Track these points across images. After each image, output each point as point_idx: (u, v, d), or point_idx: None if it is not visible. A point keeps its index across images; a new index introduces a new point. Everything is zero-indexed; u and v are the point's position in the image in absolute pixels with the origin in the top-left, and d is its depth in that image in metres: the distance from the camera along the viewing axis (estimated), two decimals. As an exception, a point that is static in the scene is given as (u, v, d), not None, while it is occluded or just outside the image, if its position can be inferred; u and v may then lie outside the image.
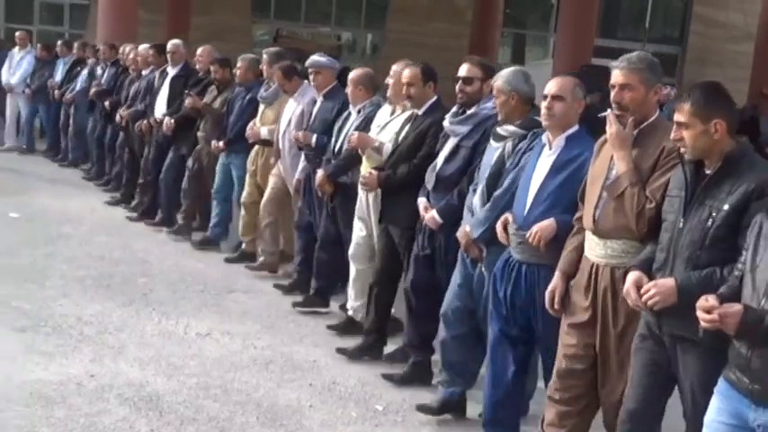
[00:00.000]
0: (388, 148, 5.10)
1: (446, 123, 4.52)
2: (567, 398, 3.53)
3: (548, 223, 3.61)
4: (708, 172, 2.95)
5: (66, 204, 8.71)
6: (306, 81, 6.37)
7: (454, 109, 4.53)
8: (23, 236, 7.24)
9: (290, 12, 21.03)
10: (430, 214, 4.45)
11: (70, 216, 8.15)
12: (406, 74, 4.86)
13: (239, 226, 7.06)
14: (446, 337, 4.34)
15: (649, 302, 2.92)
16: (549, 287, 3.55)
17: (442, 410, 4.31)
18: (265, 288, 6.32)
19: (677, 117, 2.93)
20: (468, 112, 4.44)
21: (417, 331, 4.73)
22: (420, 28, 19.47)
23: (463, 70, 4.48)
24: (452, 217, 4.35)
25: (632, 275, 3.06)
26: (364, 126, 5.45)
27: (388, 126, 5.21)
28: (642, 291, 2.96)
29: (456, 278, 4.29)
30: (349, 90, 5.61)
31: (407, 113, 5.10)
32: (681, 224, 2.95)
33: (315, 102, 6.18)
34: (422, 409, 4.30)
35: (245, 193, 6.97)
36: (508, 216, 3.80)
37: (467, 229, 4.09)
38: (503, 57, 22.11)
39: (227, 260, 6.98)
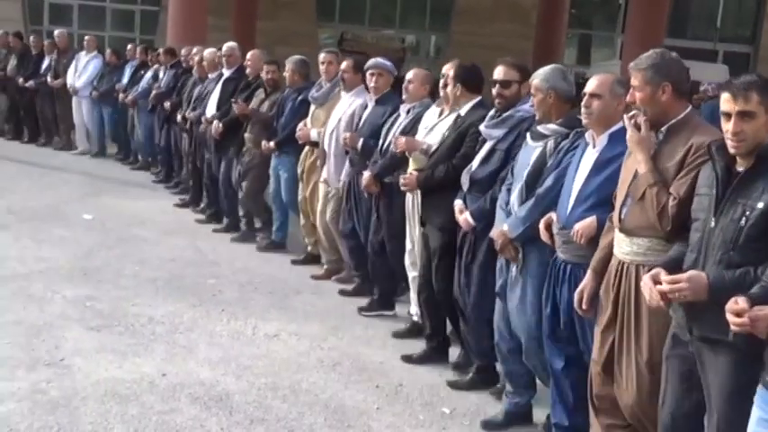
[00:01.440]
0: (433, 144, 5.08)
1: (482, 127, 4.49)
2: (608, 406, 3.49)
3: (589, 221, 3.55)
4: (739, 169, 2.84)
5: (137, 206, 8.91)
6: (362, 84, 6.33)
7: (491, 112, 4.49)
8: (97, 237, 7.42)
9: (355, 15, 21.17)
10: (463, 216, 4.44)
11: (141, 218, 8.34)
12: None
13: (301, 229, 7.14)
14: (502, 349, 4.29)
15: (677, 294, 2.79)
16: (579, 286, 3.51)
17: (508, 423, 4.25)
18: (332, 289, 6.36)
19: (741, 107, 2.76)
20: (504, 114, 4.40)
21: (474, 337, 4.69)
22: (484, 29, 19.40)
23: (500, 73, 4.40)
24: (485, 220, 4.32)
25: (653, 271, 2.93)
26: (412, 127, 5.44)
27: (436, 128, 5.18)
28: (670, 280, 2.81)
29: (497, 290, 4.25)
30: (412, 86, 5.55)
31: (454, 115, 5.07)
32: (712, 223, 2.84)
33: (365, 106, 6.17)
34: (488, 425, 4.24)
35: (300, 197, 7.01)
36: (552, 215, 3.75)
37: (504, 228, 4.02)
38: (568, 58, 21.87)
39: (294, 262, 7.06)
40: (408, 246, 5.45)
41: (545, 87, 3.98)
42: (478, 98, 4.86)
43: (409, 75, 5.62)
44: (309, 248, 7.09)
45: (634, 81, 3.28)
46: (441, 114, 5.23)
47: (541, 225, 3.79)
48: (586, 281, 3.49)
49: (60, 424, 3.86)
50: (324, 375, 4.70)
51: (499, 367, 4.53)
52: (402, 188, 5.12)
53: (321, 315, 5.76)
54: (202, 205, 8.74)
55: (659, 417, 3.12)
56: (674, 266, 2.95)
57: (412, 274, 5.43)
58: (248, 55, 8.03)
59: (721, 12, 22.16)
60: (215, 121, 7.93)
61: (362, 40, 21.23)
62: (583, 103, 3.64)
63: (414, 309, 5.47)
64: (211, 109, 8.23)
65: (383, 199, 5.64)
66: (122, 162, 11.87)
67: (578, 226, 3.56)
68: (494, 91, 4.42)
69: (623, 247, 3.31)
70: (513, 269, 4.06)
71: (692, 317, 2.89)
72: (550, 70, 4.04)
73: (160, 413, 4.05)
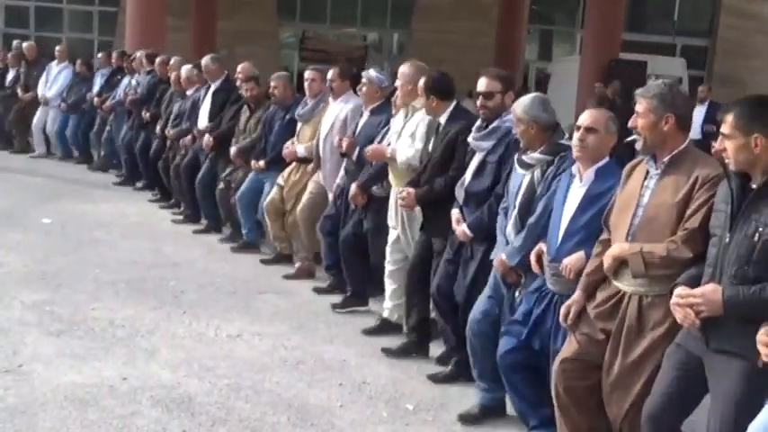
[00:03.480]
0: (408, 154, 5.15)
1: (470, 139, 4.56)
2: (572, 401, 3.56)
3: (577, 257, 3.61)
4: (753, 186, 2.90)
5: (98, 209, 8.82)
6: (351, 90, 6.40)
7: (478, 123, 4.56)
8: (56, 241, 7.33)
9: (316, 14, 21.12)
10: (461, 228, 4.50)
11: (101, 221, 8.25)
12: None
13: (270, 233, 7.15)
14: (475, 347, 4.30)
15: (694, 309, 2.89)
16: (568, 302, 3.56)
17: (483, 416, 4.29)
18: (295, 289, 6.35)
19: (722, 128, 2.95)
20: (491, 126, 4.47)
21: (454, 333, 4.73)
22: (445, 26, 19.48)
23: (482, 85, 4.49)
24: (482, 231, 4.40)
25: (677, 290, 3.00)
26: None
27: (403, 131, 5.28)
28: (686, 295, 2.92)
29: (486, 291, 4.30)
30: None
31: (420, 116, 5.15)
32: (727, 239, 2.91)
33: (361, 113, 6.19)
34: (464, 418, 4.27)
35: (267, 200, 6.98)
36: (542, 246, 3.83)
37: (502, 257, 4.09)
38: (529, 53, 22.03)
39: (263, 261, 7.06)
40: (392, 237, 5.46)
41: (526, 119, 4.05)
42: (454, 103, 4.93)
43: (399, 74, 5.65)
44: (279, 249, 7.09)
45: (639, 107, 3.35)
46: (406, 116, 5.33)
47: (532, 257, 3.87)
48: (577, 297, 3.52)
49: (19, 430, 3.80)
50: (287, 375, 4.69)
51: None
52: (401, 207, 5.14)
53: (284, 315, 5.74)
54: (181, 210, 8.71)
55: (643, 411, 3.18)
56: (693, 284, 3.00)
57: (391, 267, 5.45)
58: (239, 68, 7.84)
59: (678, 5, 22.43)
60: (206, 136, 7.92)
61: (324, 38, 21.20)
62: (577, 137, 3.68)
63: (386, 303, 5.50)
64: (203, 121, 8.22)
65: (371, 207, 5.69)
66: (86, 166, 11.67)
67: (567, 261, 3.63)
68: (477, 102, 4.50)
69: (626, 278, 3.34)
70: (517, 292, 4.12)
71: (708, 330, 2.94)
72: (530, 101, 4.10)
73: (121, 417, 4.00)
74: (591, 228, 3.62)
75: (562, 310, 3.58)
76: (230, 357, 4.88)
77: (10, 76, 12.60)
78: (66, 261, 6.69)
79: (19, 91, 12.31)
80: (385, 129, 5.73)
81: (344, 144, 5.94)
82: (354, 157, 5.90)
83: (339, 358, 4.99)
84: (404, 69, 5.27)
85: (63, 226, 7.91)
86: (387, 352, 5.06)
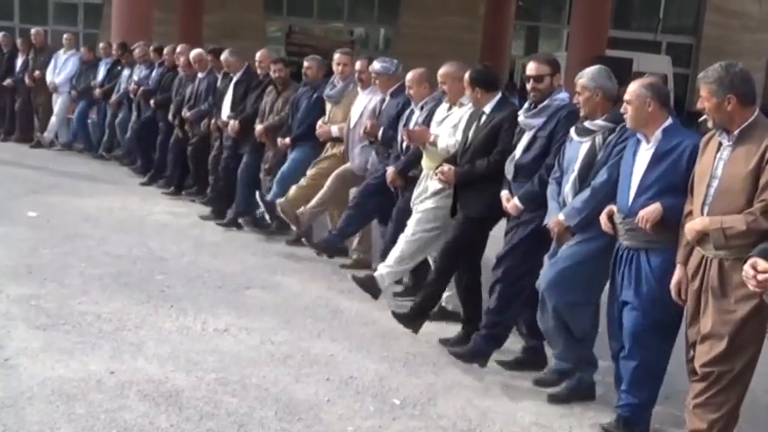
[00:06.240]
0: (449, 141, 5.36)
1: (521, 119, 4.77)
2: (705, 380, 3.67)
3: (653, 207, 3.81)
4: None
5: (84, 203, 8.78)
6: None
7: (526, 105, 4.77)
8: (42, 235, 7.29)
9: (303, 8, 21.10)
10: (512, 202, 4.69)
11: (88, 215, 8.22)
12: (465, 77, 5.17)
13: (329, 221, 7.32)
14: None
15: None
16: (674, 280, 3.78)
17: (570, 398, 4.50)
18: (282, 283, 6.37)
19: None
20: (541, 105, 4.67)
21: (522, 318, 4.92)
22: (433, 22, 19.51)
23: (532, 69, 4.72)
24: (533, 203, 4.59)
25: (750, 260, 3.13)
26: (427, 122, 5.74)
27: (446, 121, 5.52)
28: (761, 269, 3.03)
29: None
30: (412, 90, 5.90)
31: (465, 110, 5.38)
32: None
33: (384, 100, 6.53)
34: (552, 399, 4.49)
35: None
36: (612, 207, 4.02)
37: (560, 218, 4.28)
38: (516, 50, 22.07)
39: (343, 266, 6.93)
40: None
41: (592, 86, 4.27)
42: (499, 95, 5.13)
43: (407, 81, 5.96)
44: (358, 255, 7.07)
45: (702, 91, 3.56)
46: (449, 108, 5.58)
47: (603, 217, 4.06)
48: (680, 274, 3.76)
49: (6, 425, 3.79)
50: (274, 369, 4.70)
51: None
52: (439, 182, 5.30)
53: (271, 309, 5.75)
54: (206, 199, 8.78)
55: None
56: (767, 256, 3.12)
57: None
58: (258, 55, 8.15)
59: (664, 3, 22.54)
60: (231, 121, 8.05)
61: (310, 33, 21.16)
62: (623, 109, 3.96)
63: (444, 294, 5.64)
64: (226, 110, 8.34)
65: (407, 190, 5.86)
66: (95, 157, 11.77)
67: (643, 212, 3.84)
68: (528, 86, 4.72)
69: (706, 243, 3.54)
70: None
71: None
72: (597, 71, 4.33)
73: (108, 411, 4.00)
74: (663, 182, 3.83)
75: (673, 291, 3.77)
76: (217, 352, 4.89)
77: (19, 61, 12.69)
78: (53, 255, 6.67)
79: (26, 78, 12.45)
80: (408, 112, 6.03)
81: (368, 126, 6.32)
82: (379, 136, 6.29)
83: (326, 353, 5.01)
84: (446, 70, 5.44)
85: (49, 219, 7.88)
86: (455, 355, 5.00)
